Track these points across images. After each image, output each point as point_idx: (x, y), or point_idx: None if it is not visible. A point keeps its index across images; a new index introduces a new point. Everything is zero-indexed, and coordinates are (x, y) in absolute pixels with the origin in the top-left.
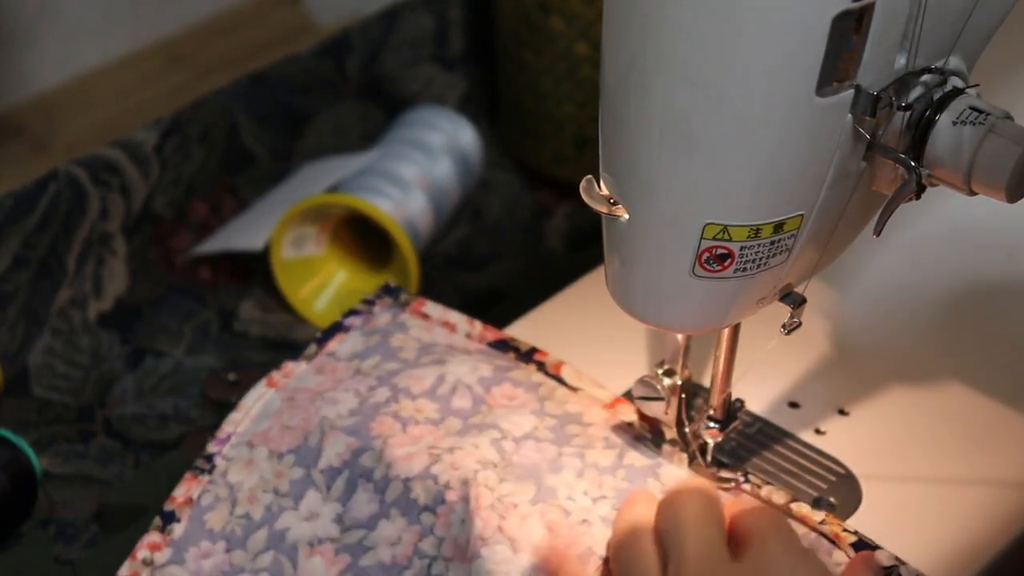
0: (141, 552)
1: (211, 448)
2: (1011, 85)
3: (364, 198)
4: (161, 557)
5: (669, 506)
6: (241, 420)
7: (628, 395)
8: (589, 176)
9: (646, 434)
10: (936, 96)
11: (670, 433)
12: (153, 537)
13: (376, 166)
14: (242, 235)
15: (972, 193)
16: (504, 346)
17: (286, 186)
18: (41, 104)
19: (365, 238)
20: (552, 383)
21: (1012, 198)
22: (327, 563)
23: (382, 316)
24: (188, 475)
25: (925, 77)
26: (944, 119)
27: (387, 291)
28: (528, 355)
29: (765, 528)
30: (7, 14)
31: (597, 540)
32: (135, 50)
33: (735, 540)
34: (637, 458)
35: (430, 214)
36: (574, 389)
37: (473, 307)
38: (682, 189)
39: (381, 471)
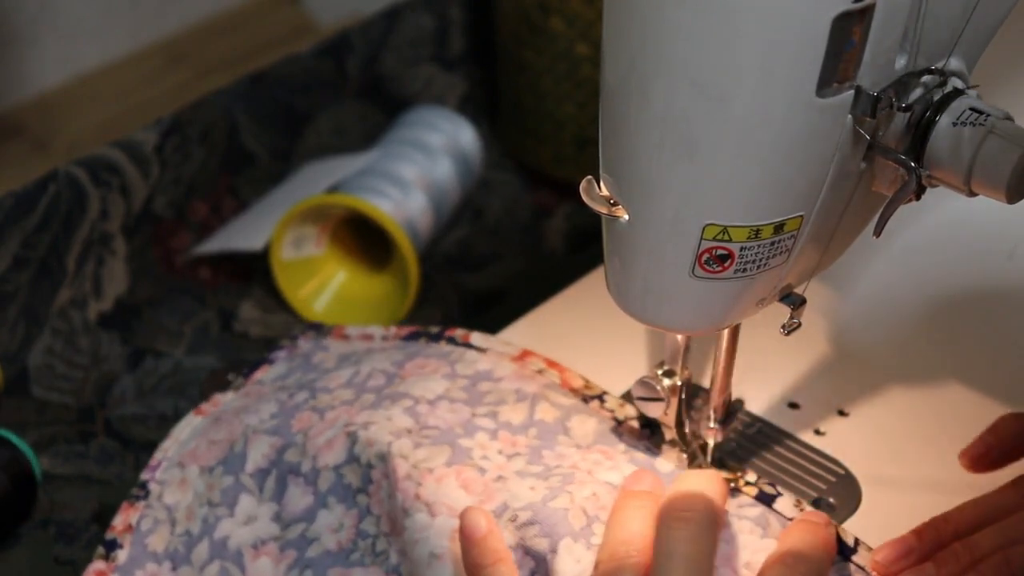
0: None
1: (143, 476)
2: (1011, 85)
3: (364, 198)
4: None
5: (665, 525)
6: (171, 447)
7: (628, 395)
8: (589, 176)
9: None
10: (936, 97)
11: (670, 433)
12: (98, 565)
13: (376, 166)
14: (242, 235)
15: (972, 194)
16: (416, 336)
17: (286, 186)
18: (41, 104)
19: (365, 238)
20: (461, 349)
21: (1012, 199)
22: (274, 562)
23: (305, 345)
24: (124, 504)
25: (925, 78)
26: (944, 120)
27: (311, 327)
28: (438, 336)
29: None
30: (7, 14)
31: (512, 494)
32: (135, 50)
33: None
34: (547, 411)
35: (430, 214)
36: (483, 351)
37: (473, 307)
38: (682, 190)
39: (308, 464)
